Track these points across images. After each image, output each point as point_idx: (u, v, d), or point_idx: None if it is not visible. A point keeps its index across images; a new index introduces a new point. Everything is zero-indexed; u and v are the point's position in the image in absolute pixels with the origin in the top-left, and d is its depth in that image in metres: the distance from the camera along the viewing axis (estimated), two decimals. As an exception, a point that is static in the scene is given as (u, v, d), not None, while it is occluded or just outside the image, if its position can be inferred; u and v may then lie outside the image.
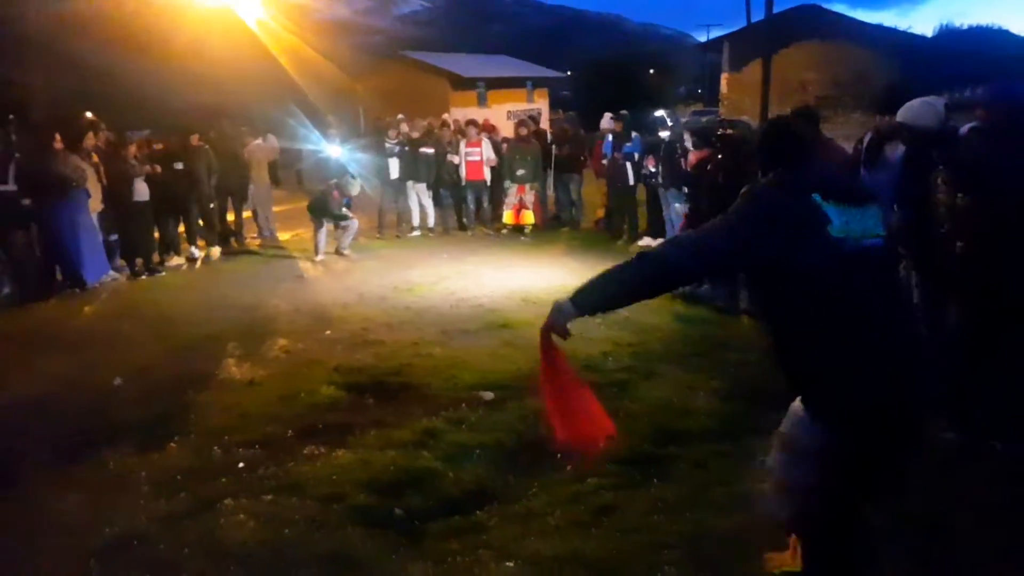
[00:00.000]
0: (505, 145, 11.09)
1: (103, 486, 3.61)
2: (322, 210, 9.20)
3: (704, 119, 8.86)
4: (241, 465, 3.72)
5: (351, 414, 4.39)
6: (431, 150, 10.75)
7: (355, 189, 9.39)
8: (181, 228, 9.52)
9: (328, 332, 6.13)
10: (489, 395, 4.51)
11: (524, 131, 10.98)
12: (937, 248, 3.67)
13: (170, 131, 9.59)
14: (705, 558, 2.77)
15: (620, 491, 3.29)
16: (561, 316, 2.13)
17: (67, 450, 4.02)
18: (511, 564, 2.79)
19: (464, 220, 11.14)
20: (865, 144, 4.74)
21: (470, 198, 11.01)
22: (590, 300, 2.11)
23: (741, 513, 2.99)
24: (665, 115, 8.91)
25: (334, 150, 9.29)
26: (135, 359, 5.54)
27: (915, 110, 4.29)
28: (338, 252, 9.33)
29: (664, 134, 9.07)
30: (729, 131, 6.67)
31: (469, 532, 3.05)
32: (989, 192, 3.53)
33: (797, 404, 2.12)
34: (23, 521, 3.32)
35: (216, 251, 9.61)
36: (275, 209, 10.84)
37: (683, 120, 8.99)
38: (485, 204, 11.19)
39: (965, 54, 20.17)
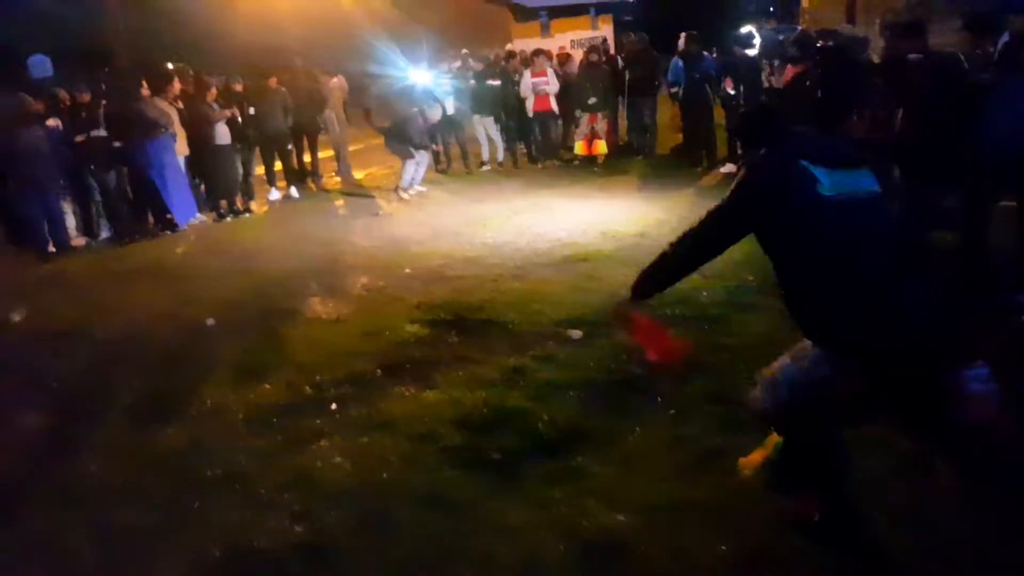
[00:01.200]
0: (577, 72, 10.62)
1: (201, 420, 3.67)
2: (400, 137, 8.96)
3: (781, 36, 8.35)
4: (333, 406, 3.69)
5: (436, 351, 4.31)
6: (497, 82, 10.40)
7: (437, 114, 9.17)
8: (260, 170, 9.57)
9: (407, 269, 6.06)
10: (577, 333, 4.35)
11: (596, 57, 10.49)
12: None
13: (244, 73, 9.55)
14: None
15: (726, 434, 3.09)
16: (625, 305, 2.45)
17: (165, 382, 4.12)
18: (621, 516, 2.65)
19: (533, 152, 10.83)
20: (1000, 48, 4.26)
21: (538, 130, 10.65)
22: (645, 288, 2.41)
23: (872, 456, 2.76)
24: (753, 30, 8.27)
25: (421, 76, 9.04)
26: (224, 295, 5.65)
27: None
28: (398, 192, 9.08)
29: (752, 52, 8.49)
30: (830, 43, 6.11)
31: (569, 477, 2.92)
32: None
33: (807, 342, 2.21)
34: (125, 449, 3.41)
35: (295, 192, 9.65)
36: (352, 148, 10.77)
37: (780, 36, 8.33)
38: (553, 135, 10.83)
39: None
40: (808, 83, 6.24)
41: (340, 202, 9.31)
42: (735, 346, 3.96)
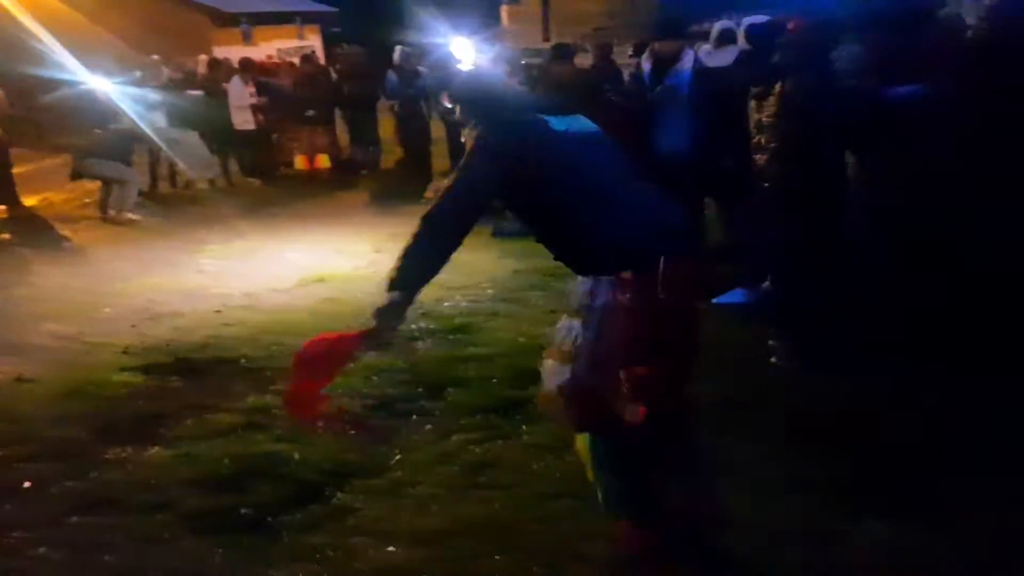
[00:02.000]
0: (293, 83, 10.15)
1: None
2: (110, 153, 7.75)
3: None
4: (27, 485, 3.01)
5: (157, 402, 3.76)
6: (199, 92, 9.55)
7: (161, 120, 8.15)
8: None
9: (108, 309, 5.23)
10: (322, 360, 4.08)
11: (310, 68, 10.12)
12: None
13: None
14: (597, 500, 2.66)
15: (489, 444, 3.10)
16: (389, 316, 2.05)
17: None
18: (393, 548, 2.50)
19: (249, 168, 10.09)
20: (649, 69, 4.84)
21: (248, 144, 9.92)
22: (409, 280, 2.06)
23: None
24: (469, 45, 8.64)
25: (104, 85, 7.86)
26: None
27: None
28: (114, 217, 7.94)
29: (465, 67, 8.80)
30: (536, 60, 6.56)
31: (334, 519, 2.70)
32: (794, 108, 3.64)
33: (576, 282, 2.22)
34: None
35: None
36: (15, 171, 9.07)
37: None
38: (269, 149, 10.22)
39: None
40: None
41: (6, 235, 7.77)
42: (484, 355, 4.01)
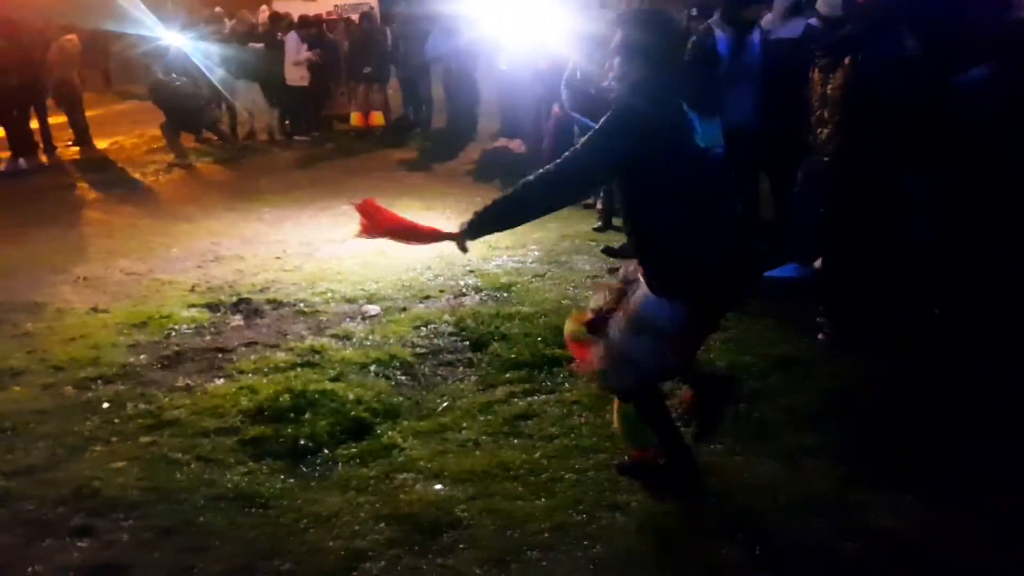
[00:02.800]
0: (350, 39, 10.26)
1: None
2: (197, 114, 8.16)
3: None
4: (106, 405, 3.27)
5: (221, 337, 4.01)
6: (260, 45, 9.72)
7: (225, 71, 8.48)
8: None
9: (175, 250, 5.52)
10: (375, 309, 4.28)
11: (370, 25, 10.21)
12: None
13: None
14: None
15: (532, 397, 3.24)
16: (461, 241, 2.35)
17: None
18: (439, 486, 2.67)
19: (303, 123, 10.29)
20: (728, 37, 4.72)
21: (302, 100, 10.09)
22: (486, 227, 2.33)
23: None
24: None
25: (176, 39, 8.13)
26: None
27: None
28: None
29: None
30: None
31: (383, 455, 2.88)
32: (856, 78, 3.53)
33: (641, 292, 2.35)
34: None
35: (23, 162, 8.31)
36: (88, 114, 9.46)
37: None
38: (322, 107, 10.36)
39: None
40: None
41: (82, 175, 8.16)
42: (528, 314, 4.13)
